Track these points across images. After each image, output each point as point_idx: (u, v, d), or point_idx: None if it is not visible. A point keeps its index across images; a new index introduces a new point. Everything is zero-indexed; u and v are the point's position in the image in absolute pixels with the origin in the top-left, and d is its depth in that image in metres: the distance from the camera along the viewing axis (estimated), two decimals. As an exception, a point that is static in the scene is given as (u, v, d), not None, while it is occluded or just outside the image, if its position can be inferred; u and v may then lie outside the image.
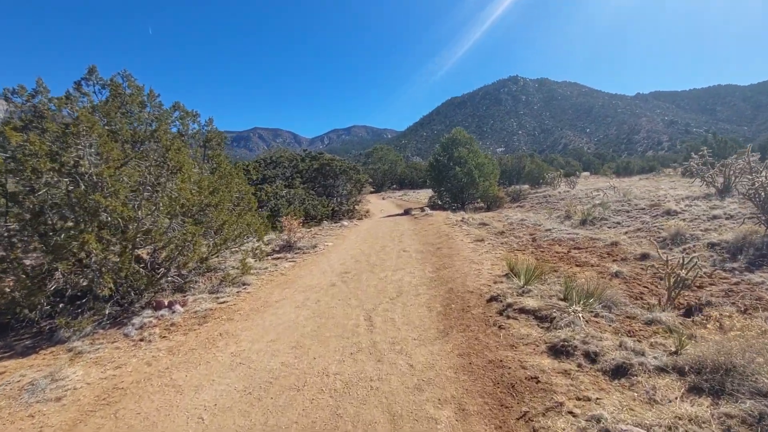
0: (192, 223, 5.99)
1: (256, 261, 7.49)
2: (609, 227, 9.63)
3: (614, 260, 6.33)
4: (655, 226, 8.22)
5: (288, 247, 9.81)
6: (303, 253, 9.21)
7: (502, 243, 8.29)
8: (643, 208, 10.43)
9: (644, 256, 6.17)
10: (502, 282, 4.94)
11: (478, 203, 20.49)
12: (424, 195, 28.29)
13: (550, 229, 9.86)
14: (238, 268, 6.52)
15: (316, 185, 19.68)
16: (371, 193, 38.66)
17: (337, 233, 12.43)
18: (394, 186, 45.53)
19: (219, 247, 6.22)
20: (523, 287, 4.36)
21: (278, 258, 8.82)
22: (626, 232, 8.42)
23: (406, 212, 17.18)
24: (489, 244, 8.24)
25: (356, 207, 19.98)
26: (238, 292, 5.94)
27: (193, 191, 5.79)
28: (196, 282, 6.46)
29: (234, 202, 7.48)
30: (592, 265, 5.82)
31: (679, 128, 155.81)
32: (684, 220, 8.19)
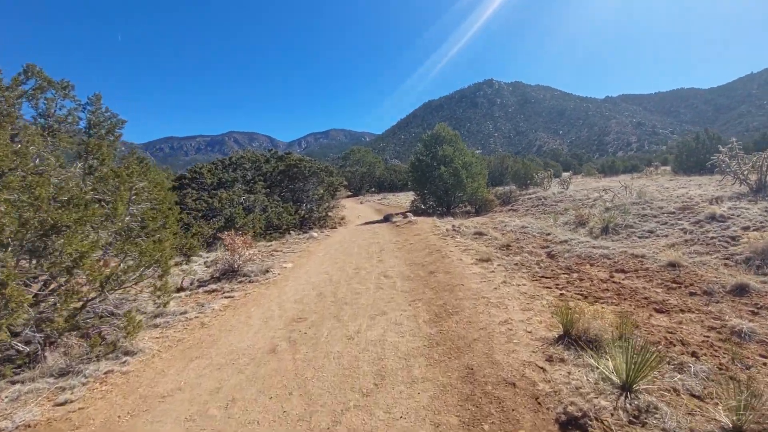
0: (28, 258, 3.54)
1: (165, 305, 5.04)
2: (640, 237, 7.72)
3: (691, 293, 4.30)
4: (712, 238, 6.32)
5: (231, 272, 7.37)
6: (249, 281, 6.80)
7: (515, 264, 6.17)
8: (673, 212, 8.61)
9: (741, 290, 4.17)
10: (562, 361, 2.75)
11: (466, 207, 18.53)
12: (405, 198, 26.16)
13: (566, 241, 7.87)
14: (123, 328, 4.07)
15: (283, 190, 17.14)
16: (348, 197, 36.28)
17: (302, 248, 10.05)
18: (373, 189, 43.26)
19: (76, 298, 3.76)
20: (629, 392, 2.16)
21: (212, 291, 6.39)
22: (672, 245, 6.49)
23: (386, 219, 14.96)
24: (499, 266, 6.10)
25: (329, 214, 17.57)
26: (106, 372, 3.50)
27: (21, 204, 3.35)
28: (54, 348, 3.97)
29: (135, 218, 5.03)
30: (683, 310, 3.74)
31: (647, 130, 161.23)
32: (747, 229, 6.34)
